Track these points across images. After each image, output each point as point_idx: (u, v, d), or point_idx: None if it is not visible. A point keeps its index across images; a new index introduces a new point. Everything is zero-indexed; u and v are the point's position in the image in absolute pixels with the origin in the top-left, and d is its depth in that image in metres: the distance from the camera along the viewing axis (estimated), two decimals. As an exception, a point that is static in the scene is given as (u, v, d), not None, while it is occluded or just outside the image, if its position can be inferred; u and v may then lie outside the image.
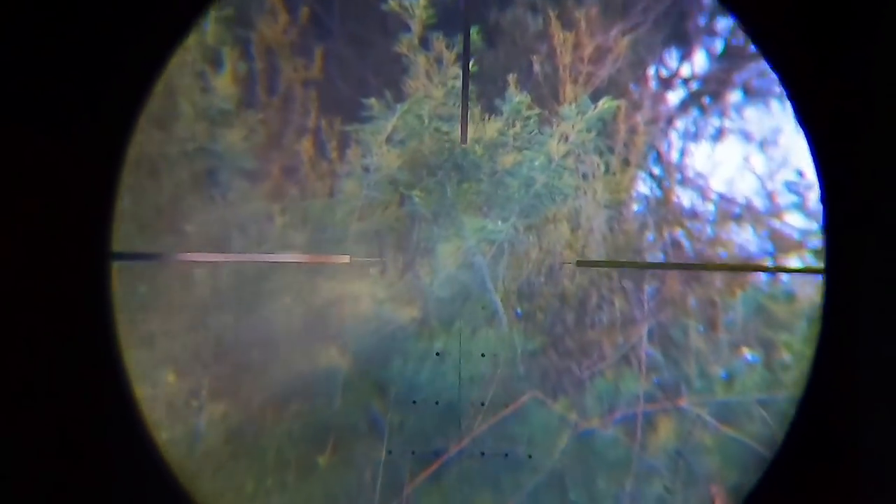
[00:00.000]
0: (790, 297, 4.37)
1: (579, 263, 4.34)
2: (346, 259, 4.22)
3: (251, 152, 4.27)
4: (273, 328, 4.08)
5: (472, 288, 4.35)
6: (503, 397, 4.26)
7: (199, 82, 4.22)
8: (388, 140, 4.29)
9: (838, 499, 3.09)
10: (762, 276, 4.55)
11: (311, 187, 4.32)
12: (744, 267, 4.42)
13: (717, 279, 4.51)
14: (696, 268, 4.40)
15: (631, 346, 4.37)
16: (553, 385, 4.32)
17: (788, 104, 3.20)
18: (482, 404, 4.24)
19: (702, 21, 4.58)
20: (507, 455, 4.22)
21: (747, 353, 4.35)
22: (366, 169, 4.31)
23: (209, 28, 4.19)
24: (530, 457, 4.23)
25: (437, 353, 4.27)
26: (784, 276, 4.56)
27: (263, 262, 4.17)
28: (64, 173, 3.04)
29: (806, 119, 3.13)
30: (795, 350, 4.15)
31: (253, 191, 4.28)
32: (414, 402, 4.22)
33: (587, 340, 4.43)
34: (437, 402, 4.23)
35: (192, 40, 4.15)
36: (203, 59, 4.22)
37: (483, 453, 4.22)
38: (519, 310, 4.38)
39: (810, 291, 4.09)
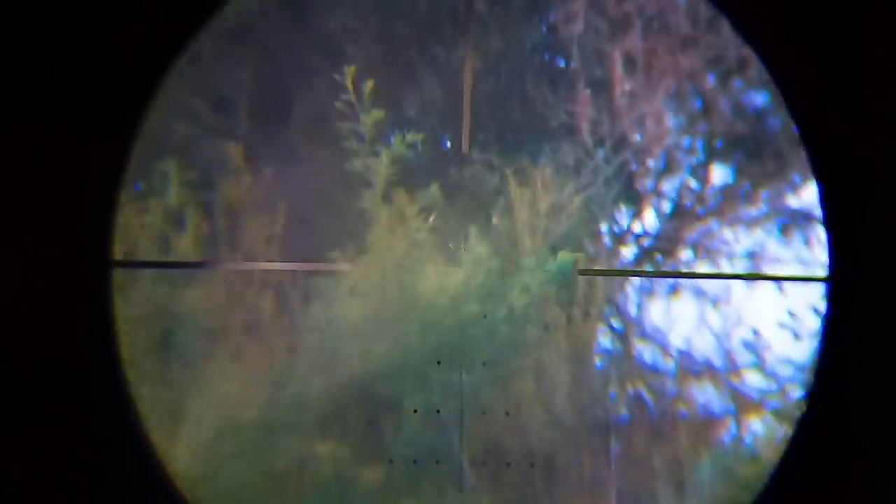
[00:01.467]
0: (756, 458, 4.33)
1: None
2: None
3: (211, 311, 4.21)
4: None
5: (437, 447, 4.22)
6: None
7: (160, 244, 4.23)
8: (352, 292, 4.28)
9: (844, 499, 3.06)
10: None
11: (272, 343, 4.25)
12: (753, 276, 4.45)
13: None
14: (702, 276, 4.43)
15: (601, 496, 4.25)
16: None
17: (789, 118, 3.23)
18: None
19: (650, 184, 4.79)
20: None
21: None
22: (329, 322, 4.26)
23: (171, 191, 4.25)
24: None
25: None
26: (747, 439, 4.56)
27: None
28: (65, 181, 3.05)
29: (806, 127, 3.18)
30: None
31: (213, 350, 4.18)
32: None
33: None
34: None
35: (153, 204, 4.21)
36: (165, 221, 4.26)
37: None
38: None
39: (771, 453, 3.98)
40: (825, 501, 3.08)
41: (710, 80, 4.75)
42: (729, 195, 4.79)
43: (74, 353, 3.06)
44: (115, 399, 3.12)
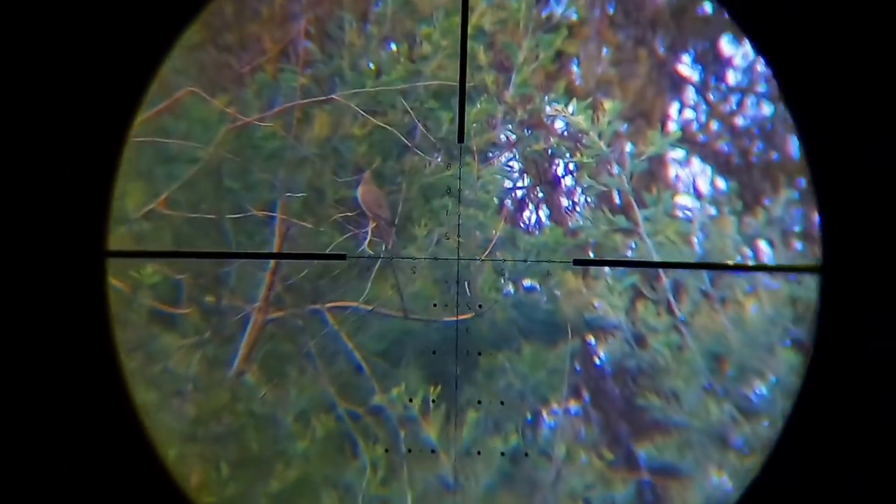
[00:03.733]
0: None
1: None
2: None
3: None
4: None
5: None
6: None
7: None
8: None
9: (835, 499, 3.03)
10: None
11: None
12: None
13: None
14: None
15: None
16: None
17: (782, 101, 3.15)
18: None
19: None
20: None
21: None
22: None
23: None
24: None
25: None
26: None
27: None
28: (59, 170, 3.00)
29: (798, 111, 3.08)
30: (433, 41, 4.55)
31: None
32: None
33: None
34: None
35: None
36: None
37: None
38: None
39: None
40: (819, 497, 3.04)
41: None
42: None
43: (69, 344, 3.00)
44: (110, 391, 3.06)
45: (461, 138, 4.35)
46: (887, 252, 3.00)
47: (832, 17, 3.01)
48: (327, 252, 4.41)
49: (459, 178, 4.28)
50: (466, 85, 4.09)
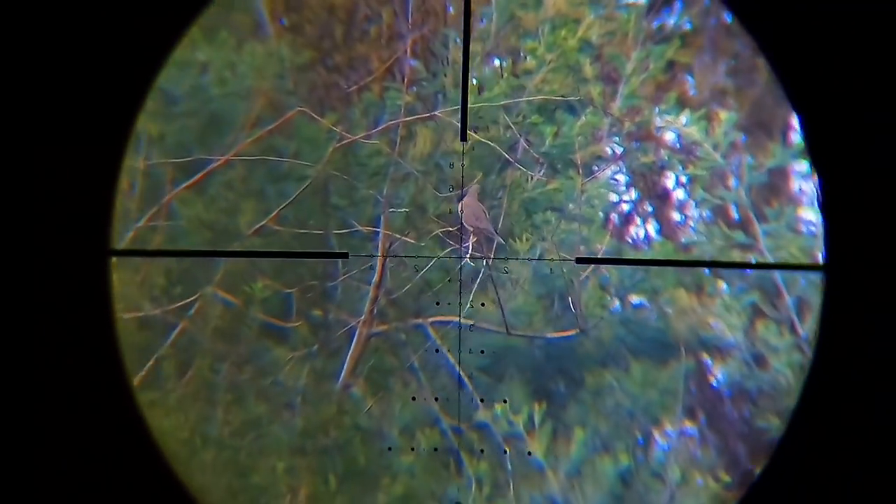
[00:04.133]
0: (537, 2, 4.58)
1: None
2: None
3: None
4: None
5: None
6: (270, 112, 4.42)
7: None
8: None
9: (838, 499, 3.03)
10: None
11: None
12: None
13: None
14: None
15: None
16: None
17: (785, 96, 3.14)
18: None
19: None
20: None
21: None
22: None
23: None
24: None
25: None
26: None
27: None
28: (63, 168, 3.06)
29: (803, 111, 3.10)
30: (538, 55, 4.54)
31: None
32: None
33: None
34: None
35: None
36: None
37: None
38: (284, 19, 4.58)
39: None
40: (823, 494, 3.03)
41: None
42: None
43: (72, 342, 3.06)
44: (114, 390, 3.11)
45: (463, 136, 4.33)
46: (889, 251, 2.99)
47: (836, 18, 3.00)
48: (328, 251, 4.47)
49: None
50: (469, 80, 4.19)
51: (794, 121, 4.76)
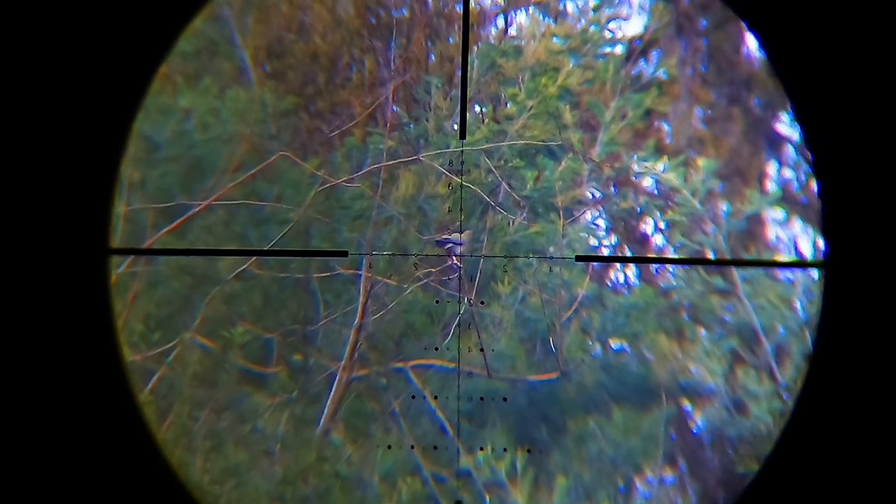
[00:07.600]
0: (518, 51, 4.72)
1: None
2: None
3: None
4: None
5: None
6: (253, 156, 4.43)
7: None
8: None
9: (836, 498, 2.99)
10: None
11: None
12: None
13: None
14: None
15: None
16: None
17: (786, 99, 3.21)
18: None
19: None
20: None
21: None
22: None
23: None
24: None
25: None
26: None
27: None
28: (62, 168, 3.04)
29: (802, 111, 3.10)
30: (519, 101, 4.63)
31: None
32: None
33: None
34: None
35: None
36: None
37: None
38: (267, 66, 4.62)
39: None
40: (820, 491, 3.00)
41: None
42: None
43: (72, 341, 3.04)
44: (113, 388, 3.07)
45: (462, 135, 4.38)
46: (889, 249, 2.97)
47: (835, 17, 3.01)
48: (328, 250, 4.48)
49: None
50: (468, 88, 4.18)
51: (770, 169, 4.88)
